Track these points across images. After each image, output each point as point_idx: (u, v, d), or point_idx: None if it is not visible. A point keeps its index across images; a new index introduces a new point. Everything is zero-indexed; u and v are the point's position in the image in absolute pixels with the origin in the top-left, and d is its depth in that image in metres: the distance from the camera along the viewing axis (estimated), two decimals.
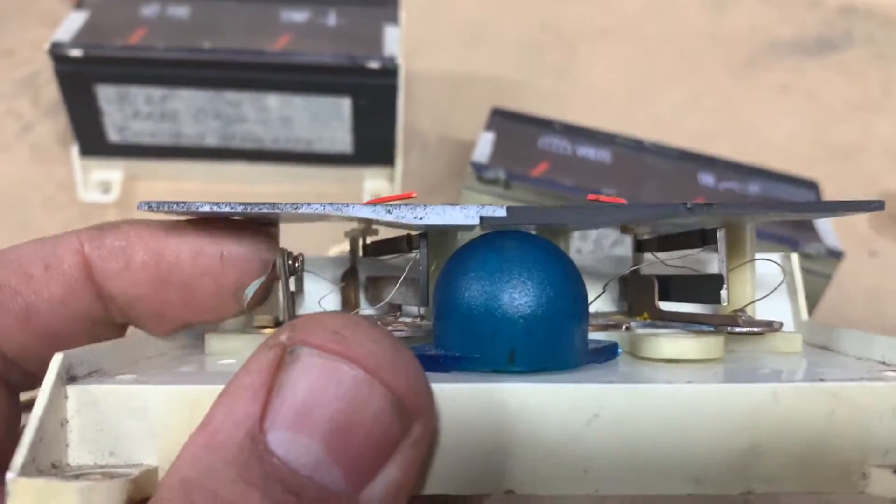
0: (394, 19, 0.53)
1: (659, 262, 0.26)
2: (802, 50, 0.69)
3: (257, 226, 0.24)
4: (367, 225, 0.26)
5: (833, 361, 0.23)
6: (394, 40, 0.50)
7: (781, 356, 0.24)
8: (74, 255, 0.23)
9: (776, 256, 0.27)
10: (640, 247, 0.27)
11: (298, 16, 0.52)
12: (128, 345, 0.22)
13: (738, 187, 0.48)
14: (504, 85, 0.64)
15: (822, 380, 0.18)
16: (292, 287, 0.24)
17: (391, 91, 0.49)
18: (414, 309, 0.25)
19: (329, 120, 0.50)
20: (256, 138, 0.51)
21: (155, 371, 0.21)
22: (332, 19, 0.52)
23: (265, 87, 0.49)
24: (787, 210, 0.21)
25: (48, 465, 0.17)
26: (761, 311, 0.25)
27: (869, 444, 0.18)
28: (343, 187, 0.54)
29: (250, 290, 0.23)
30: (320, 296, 0.28)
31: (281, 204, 0.21)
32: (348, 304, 0.28)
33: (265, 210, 0.21)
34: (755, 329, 0.22)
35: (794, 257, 0.27)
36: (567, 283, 0.20)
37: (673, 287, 0.25)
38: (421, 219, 0.20)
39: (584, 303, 0.21)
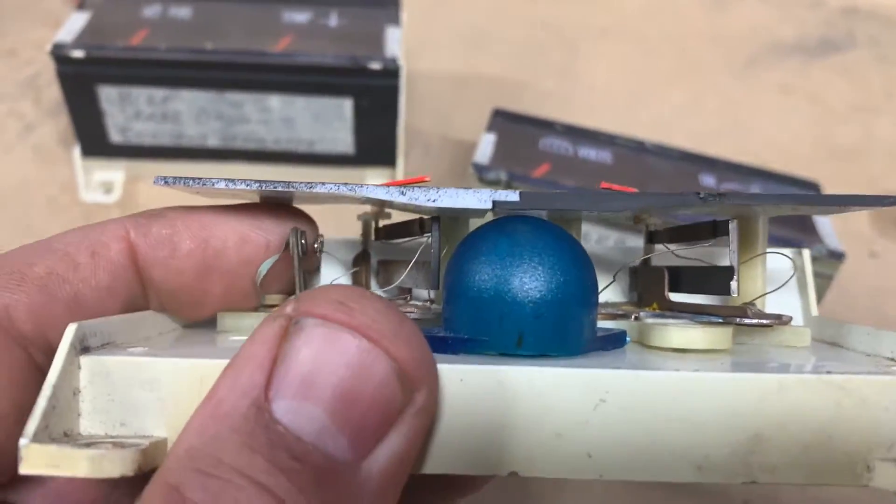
0: (395, 20, 0.53)
1: (669, 254, 0.26)
2: (804, 51, 0.69)
3: (297, 210, 0.24)
4: (380, 208, 0.26)
5: (841, 356, 0.23)
6: (395, 41, 0.50)
7: (789, 350, 0.24)
8: (120, 242, 0.23)
9: (787, 251, 0.27)
10: (651, 238, 0.27)
11: (300, 16, 0.52)
12: (141, 319, 0.22)
13: (739, 188, 0.48)
14: (505, 85, 0.64)
15: (828, 372, 0.18)
16: (314, 266, 0.24)
17: (393, 92, 0.49)
18: (424, 293, 0.25)
19: (331, 121, 0.51)
20: (258, 139, 0.52)
21: (167, 346, 0.21)
22: (333, 20, 0.52)
23: (267, 88, 0.49)
24: (799, 202, 0.21)
25: (60, 434, 0.18)
26: (771, 307, 0.25)
27: (874, 437, 0.18)
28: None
29: (264, 268, 0.23)
30: (333, 277, 0.28)
31: (296, 182, 0.21)
32: (359, 286, 0.28)
33: (280, 188, 0.21)
34: (764, 321, 0.22)
35: (806, 253, 0.27)
36: (577, 269, 0.20)
37: (683, 278, 0.25)
38: (434, 201, 0.20)
39: (594, 289, 0.21)
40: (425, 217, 0.23)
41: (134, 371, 0.18)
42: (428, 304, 0.24)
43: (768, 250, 0.25)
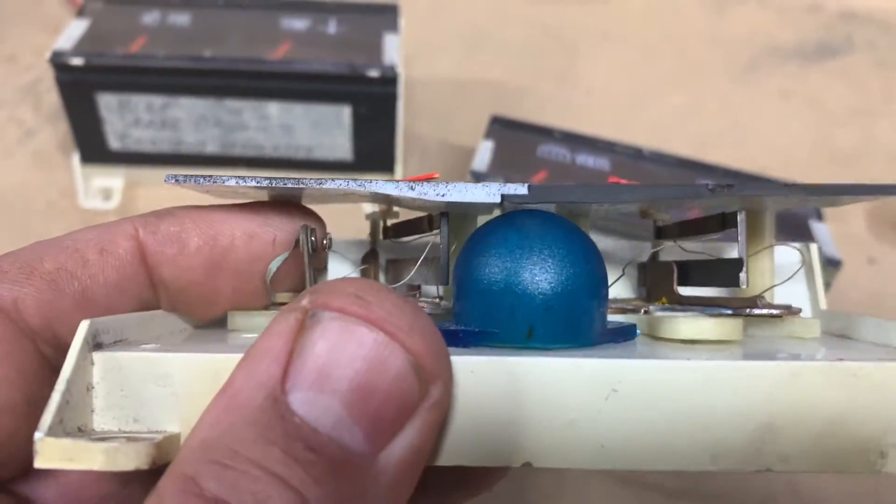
0: (393, 27, 0.53)
1: (677, 248, 0.26)
2: (803, 55, 0.69)
3: (305, 208, 0.24)
4: (388, 207, 0.26)
5: (851, 346, 0.23)
6: (393, 48, 0.50)
7: (800, 341, 0.24)
8: (129, 240, 0.23)
9: (795, 243, 0.27)
10: (659, 233, 0.27)
11: (299, 23, 0.52)
12: (153, 318, 0.23)
13: None
14: (504, 90, 0.64)
15: (840, 359, 0.18)
16: (322, 264, 0.24)
17: (391, 99, 0.49)
18: (433, 290, 0.25)
19: (329, 127, 0.51)
20: (257, 146, 0.52)
21: (179, 343, 0.22)
22: (332, 27, 0.52)
23: (266, 95, 0.49)
24: (808, 193, 0.21)
25: (74, 429, 0.18)
26: (779, 300, 0.25)
27: (887, 423, 0.18)
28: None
29: (273, 266, 0.23)
30: (341, 275, 0.28)
31: (306, 179, 0.21)
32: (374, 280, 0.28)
33: (290, 185, 0.21)
34: (774, 311, 0.22)
35: (814, 247, 0.27)
36: (587, 261, 0.20)
37: (692, 272, 0.25)
38: (443, 196, 0.20)
39: (604, 282, 0.21)
40: (434, 214, 0.23)
41: (147, 366, 0.18)
42: (437, 300, 0.24)
43: (776, 243, 0.25)
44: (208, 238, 0.23)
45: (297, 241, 0.23)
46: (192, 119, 0.50)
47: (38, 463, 0.16)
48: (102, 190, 0.53)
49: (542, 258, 0.20)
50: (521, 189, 0.20)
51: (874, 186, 0.21)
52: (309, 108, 0.50)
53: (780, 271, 0.26)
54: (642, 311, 0.25)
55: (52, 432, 0.16)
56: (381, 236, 0.28)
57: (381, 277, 0.28)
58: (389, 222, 0.27)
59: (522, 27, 0.70)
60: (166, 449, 0.17)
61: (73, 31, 0.50)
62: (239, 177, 0.21)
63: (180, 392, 0.18)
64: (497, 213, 0.22)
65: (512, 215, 0.21)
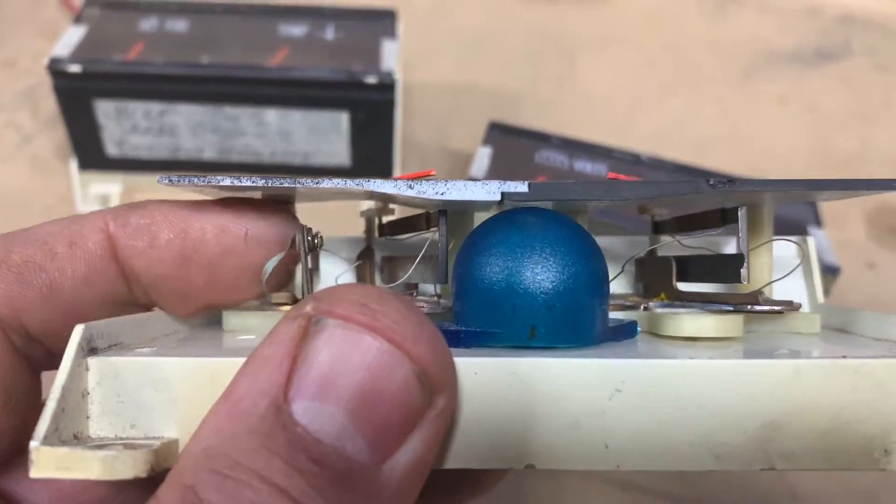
0: (391, 33, 0.53)
1: (675, 244, 0.26)
2: (802, 60, 0.69)
3: (281, 205, 0.24)
4: (383, 205, 0.26)
5: (852, 342, 0.23)
6: (391, 54, 0.50)
7: (800, 336, 0.24)
8: (99, 233, 0.23)
9: (794, 238, 0.27)
10: (657, 228, 0.27)
11: (296, 30, 0.52)
12: (147, 320, 0.22)
13: None
14: (503, 95, 0.64)
15: (843, 356, 0.18)
16: (310, 264, 0.24)
17: (388, 105, 0.49)
18: (430, 288, 0.25)
19: (327, 134, 0.51)
20: (255, 152, 0.52)
21: (175, 346, 0.21)
22: (330, 33, 0.52)
23: (263, 102, 0.49)
24: (808, 188, 0.21)
25: (70, 437, 0.18)
26: (777, 295, 0.25)
27: (890, 421, 0.18)
28: (340, 206, 0.54)
29: (269, 266, 0.23)
30: (336, 274, 0.27)
31: (302, 179, 0.21)
32: (363, 283, 0.28)
33: (286, 184, 0.21)
34: (775, 308, 0.22)
35: (811, 241, 0.27)
36: (588, 259, 0.20)
37: (691, 267, 0.25)
38: (442, 194, 0.20)
39: (605, 280, 0.21)
40: (431, 211, 0.23)
41: (143, 371, 0.18)
42: (435, 298, 0.24)
43: (775, 238, 0.25)
44: (178, 231, 0.23)
45: (293, 242, 0.23)
46: (189, 125, 0.50)
47: (34, 472, 0.16)
48: (100, 196, 0.53)
49: (544, 257, 0.20)
50: (521, 187, 0.20)
51: (874, 181, 0.21)
52: (307, 115, 0.50)
53: (778, 265, 0.26)
54: (642, 307, 0.25)
55: (47, 441, 0.16)
56: (376, 234, 0.28)
57: (377, 276, 0.28)
58: (385, 219, 0.27)
59: (521, 32, 0.70)
60: (164, 456, 0.17)
61: (70, 38, 0.50)
62: (234, 176, 0.21)
63: (178, 397, 0.18)
64: (495, 210, 0.22)
65: (512, 213, 0.21)
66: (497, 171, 0.47)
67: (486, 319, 0.20)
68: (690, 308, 0.24)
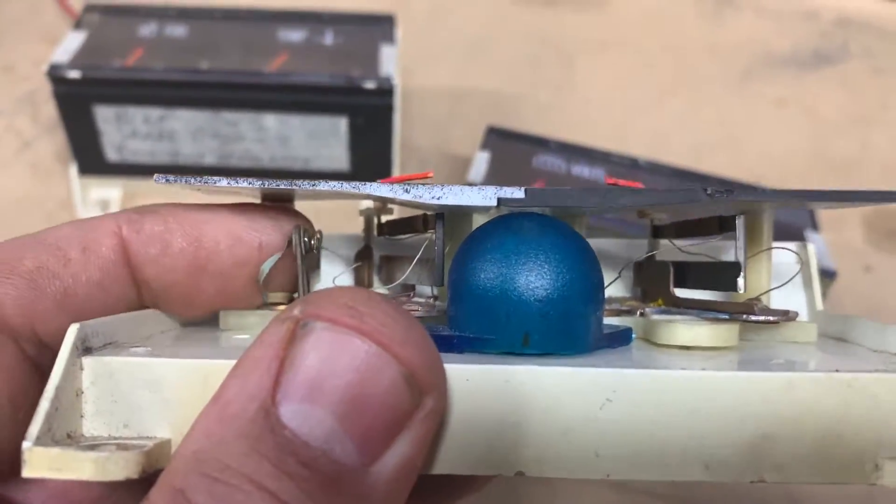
0: (390, 38, 0.53)
1: (673, 248, 0.26)
2: (799, 63, 0.69)
3: (293, 211, 0.24)
4: (383, 204, 0.26)
5: (848, 352, 0.23)
6: (390, 60, 0.50)
7: (796, 346, 0.24)
8: (112, 238, 0.22)
9: (792, 245, 0.27)
10: (656, 232, 0.27)
11: (295, 35, 0.52)
12: (142, 318, 0.22)
13: None
14: (502, 99, 0.64)
15: (837, 370, 0.18)
16: (309, 264, 0.24)
17: (387, 110, 0.49)
18: (427, 289, 0.25)
19: (326, 138, 0.51)
20: (254, 157, 0.52)
21: (170, 345, 0.21)
22: (328, 38, 0.53)
23: (262, 107, 0.49)
24: (807, 199, 0.21)
25: (63, 436, 0.18)
26: (775, 301, 0.25)
27: (882, 435, 0.18)
28: (340, 204, 0.55)
29: (266, 267, 0.23)
30: (334, 274, 0.28)
31: (299, 181, 0.21)
32: (361, 283, 0.28)
33: (283, 186, 0.21)
34: (771, 318, 0.22)
35: (811, 247, 0.27)
36: (584, 266, 0.20)
37: (689, 273, 0.25)
38: (438, 199, 0.20)
39: (601, 287, 0.21)
40: (429, 213, 0.23)
41: (137, 372, 0.18)
42: (431, 300, 0.24)
43: (774, 245, 0.25)
44: (192, 240, 0.23)
45: (290, 242, 0.23)
46: (189, 131, 0.50)
47: (27, 472, 0.16)
48: (100, 201, 0.54)
49: (539, 264, 0.20)
50: (517, 193, 0.20)
51: (872, 193, 0.21)
52: (306, 120, 0.50)
53: (776, 271, 0.26)
54: (638, 312, 0.25)
55: (40, 441, 0.16)
56: (375, 233, 0.28)
57: (375, 278, 0.28)
58: (384, 218, 0.27)
59: (519, 37, 0.70)
60: (157, 456, 0.17)
61: (70, 44, 0.50)
62: (231, 178, 0.21)
63: (171, 398, 0.18)
64: (494, 213, 0.22)
65: (508, 219, 0.21)
66: (495, 176, 0.47)
67: (479, 325, 0.20)
68: (686, 315, 0.24)
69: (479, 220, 0.23)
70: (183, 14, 0.54)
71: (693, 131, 0.63)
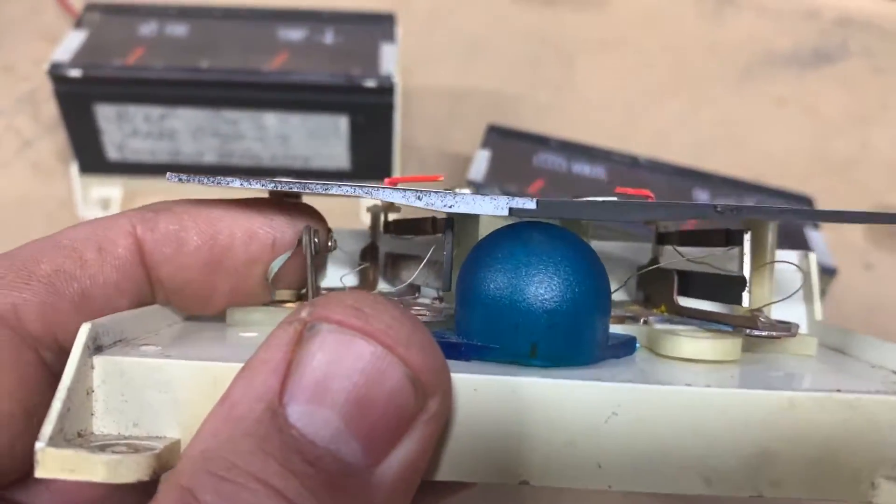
0: (390, 37, 0.53)
1: (677, 255, 0.26)
2: (800, 62, 0.69)
3: (307, 207, 0.24)
4: (390, 203, 0.26)
5: (848, 368, 0.23)
6: (390, 58, 0.50)
7: (797, 359, 0.24)
8: (127, 237, 0.22)
9: (794, 256, 0.27)
10: (661, 239, 0.27)
11: (295, 34, 0.52)
12: (150, 313, 0.22)
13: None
14: (502, 99, 0.65)
15: (838, 390, 0.18)
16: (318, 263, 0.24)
17: (388, 109, 0.49)
18: (432, 290, 0.25)
19: (326, 137, 0.51)
20: (254, 156, 0.52)
21: (179, 342, 0.21)
22: (329, 37, 0.53)
23: (263, 106, 0.49)
24: (815, 218, 0.21)
25: (74, 434, 0.18)
26: (776, 309, 0.25)
27: (880, 455, 0.18)
28: (340, 203, 0.55)
29: (275, 266, 0.23)
30: (340, 270, 0.28)
31: (311, 183, 0.21)
32: (367, 281, 0.28)
33: (295, 189, 0.21)
34: (774, 334, 0.22)
35: (812, 256, 0.27)
36: (592, 278, 0.20)
37: (692, 283, 0.25)
38: (450, 207, 0.20)
39: (607, 299, 0.21)
40: (438, 216, 0.23)
41: (148, 371, 0.18)
42: (437, 301, 0.24)
43: (777, 259, 0.25)
44: (207, 237, 0.23)
45: (300, 241, 0.23)
46: (189, 129, 0.50)
47: (39, 473, 0.16)
48: (101, 200, 0.54)
49: (549, 276, 0.20)
50: (529, 203, 0.20)
51: (882, 215, 0.21)
52: (306, 118, 0.50)
53: (777, 277, 0.26)
54: (641, 321, 0.25)
55: (52, 442, 0.16)
56: (381, 230, 0.28)
57: (380, 280, 0.28)
58: (391, 216, 0.27)
59: (519, 36, 0.70)
60: (167, 458, 0.17)
61: (70, 43, 0.50)
62: (243, 178, 0.21)
63: (180, 398, 0.18)
64: (503, 216, 0.22)
65: (518, 228, 0.21)
66: (496, 174, 0.47)
67: (487, 334, 0.20)
68: (689, 325, 0.24)
69: (486, 223, 0.24)
70: (183, 13, 0.54)
71: (693, 130, 0.63)
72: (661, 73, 0.68)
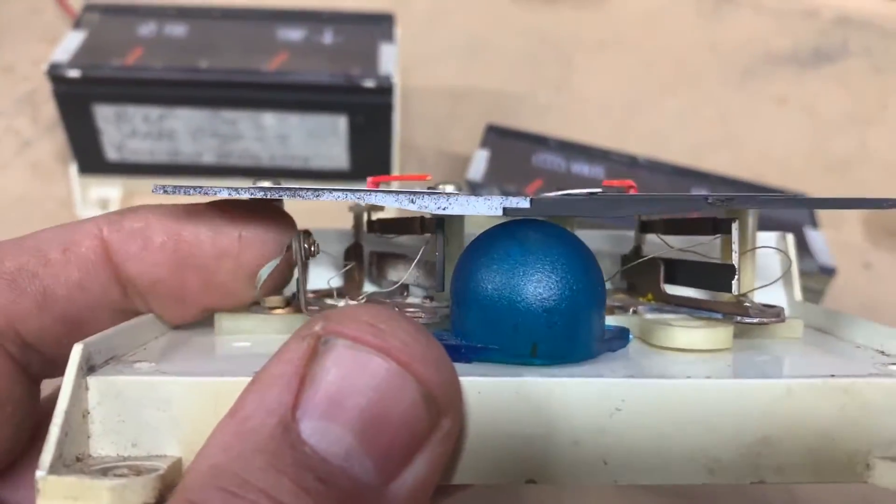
0: (389, 37, 0.53)
1: (659, 242, 0.26)
2: (799, 61, 0.69)
3: (275, 207, 0.24)
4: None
5: (835, 349, 0.23)
6: (389, 58, 0.50)
7: (785, 343, 0.24)
8: (93, 238, 0.22)
9: (773, 239, 0.28)
10: (644, 227, 0.27)
11: (294, 34, 0.52)
12: (136, 326, 0.22)
13: None
14: (501, 99, 0.65)
15: (833, 375, 0.19)
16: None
17: (386, 109, 0.49)
18: (420, 289, 0.25)
19: (325, 137, 0.51)
20: (253, 156, 0.52)
21: (170, 355, 0.21)
22: (328, 37, 0.53)
23: (262, 106, 0.49)
24: (805, 206, 0.21)
25: (73, 459, 0.17)
26: (757, 293, 0.25)
27: (874, 436, 0.19)
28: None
29: (264, 273, 0.23)
30: (324, 272, 0.27)
31: (302, 190, 0.20)
32: (352, 280, 0.28)
33: (285, 196, 0.21)
34: (765, 320, 0.23)
35: (790, 238, 0.28)
36: (588, 274, 0.20)
37: (679, 271, 0.25)
38: (444, 209, 0.20)
39: (603, 294, 0.21)
40: (426, 216, 0.23)
41: (144, 390, 0.18)
42: (427, 301, 0.24)
43: (759, 245, 0.25)
44: (171, 234, 0.23)
45: (289, 247, 0.23)
46: (188, 130, 0.50)
47: (42, 502, 0.16)
48: (100, 200, 0.54)
49: (546, 275, 0.20)
50: (523, 203, 0.20)
51: (866, 200, 0.21)
52: (305, 119, 0.50)
53: (758, 262, 0.26)
54: (631, 310, 0.25)
55: (53, 469, 0.16)
56: (365, 229, 0.27)
57: (366, 280, 0.28)
58: (375, 216, 0.27)
59: (519, 36, 0.70)
60: (171, 479, 0.17)
61: (69, 43, 0.50)
62: (231, 188, 0.20)
63: (179, 416, 0.18)
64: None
65: (512, 227, 0.21)
66: (495, 174, 0.47)
67: (486, 335, 0.20)
68: (679, 314, 0.24)
69: (473, 220, 0.23)
70: (182, 13, 0.54)
71: (693, 130, 0.63)
72: (661, 72, 0.68)
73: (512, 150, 0.50)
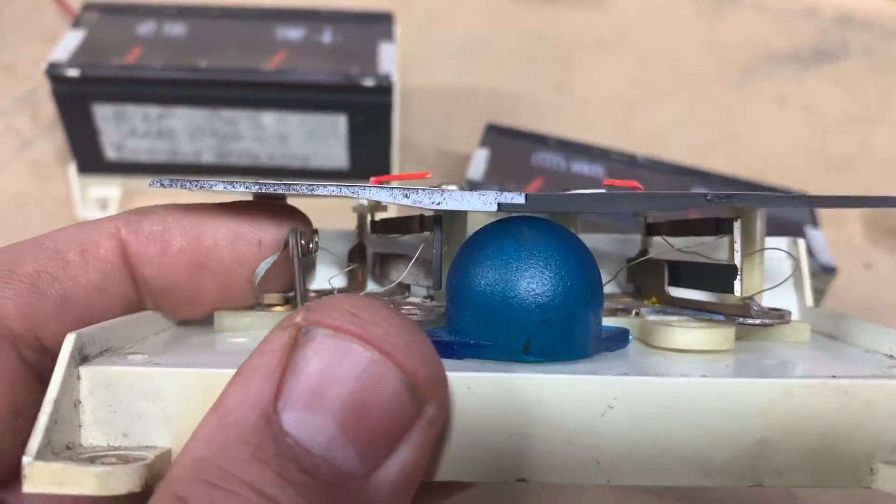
0: (388, 36, 0.53)
1: (666, 245, 0.26)
2: (799, 61, 0.69)
3: (292, 209, 0.24)
4: (377, 202, 0.26)
5: (842, 354, 0.23)
6: (389, 57, 0.50)
7: (790, 347, 0.24)
8: (111, 239, 0.22)
9: (783, 243, 0.27)
10: (650, 229, 0.27)
11: (294, 33, 0.52)
12: (136, 321, 0.22)
13: None
14: (501, 98, 0.64)
15: (833, 376, 0.18)
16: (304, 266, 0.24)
17: (386, 108, 0.49)
18: (422, 288, 0.25)
19: (325, 136, 0.51)
20: (253, 155, 0.52)
21: (166, 350, 0.21)
22: (327, 36, 0.53)
23: (261, 105, 0.49)
24: (805, 204, 0.21)
25: (62, 447, 0.17)
26: (767, 297, 0.25)
27: (877, 440, 0.18)
28: (334, 202, 0.55)
29: (262, 269, 0.23)
30: (329, 272, 0.27)
31: (296, 184, 0.20)
32: (355, 281, 0.28)
33: (280, 190, 0.21)
34: (767, 321, 0.22)
35: (801, 243, 0.27)
36: (583, 272, 0.20)
37: (683, 273, 0.25)
38: (439, 204, 0.20)
39: (600, 292, 0.21)
40: (426, 214, 0.23)
41: (136, 381, 0.18)
42: (428, 300, 0.24)
43: (767, 246, 0.25)
44: (191, 238, 0.23)
45: (286, 244, 0.23)
46: (188, 129, 0.50)
47: (28, 487, 0.16)
48: (99, 200, 0.54)
49: (539, 270, 0.19)
50: (517, 198, 0.20)
51: (871, 198, 0.21)
52: (304, 118, 0.50)
53: (767, 266, 0.26)
54: (633, 312, 0.25)
55: (40, 455, 0.16)
56: (368, 230, 0.27)
57: (369, 280, 0.28)
58: (378, 216, 0.27)
59: (518, 35, 0.70)
60: (158, 468, 0.17)
61: (68, 43, 0.50)
62: (227, 182, 0.20)
63: (170, 407, 0.18)
64: (493, 212, 0.22)
65: (507, 224, 0.21)
66: (494, 173, 0.47)
67: (479, 331, 0.20)
68: (682, 316, 0.24)
69: (474, 218, 0.23)
70: (181, 12, 0.54)
71: (692, 130, 0.63)
72: (660, 71, 0.68)
73: (512, 149, 0.50)
